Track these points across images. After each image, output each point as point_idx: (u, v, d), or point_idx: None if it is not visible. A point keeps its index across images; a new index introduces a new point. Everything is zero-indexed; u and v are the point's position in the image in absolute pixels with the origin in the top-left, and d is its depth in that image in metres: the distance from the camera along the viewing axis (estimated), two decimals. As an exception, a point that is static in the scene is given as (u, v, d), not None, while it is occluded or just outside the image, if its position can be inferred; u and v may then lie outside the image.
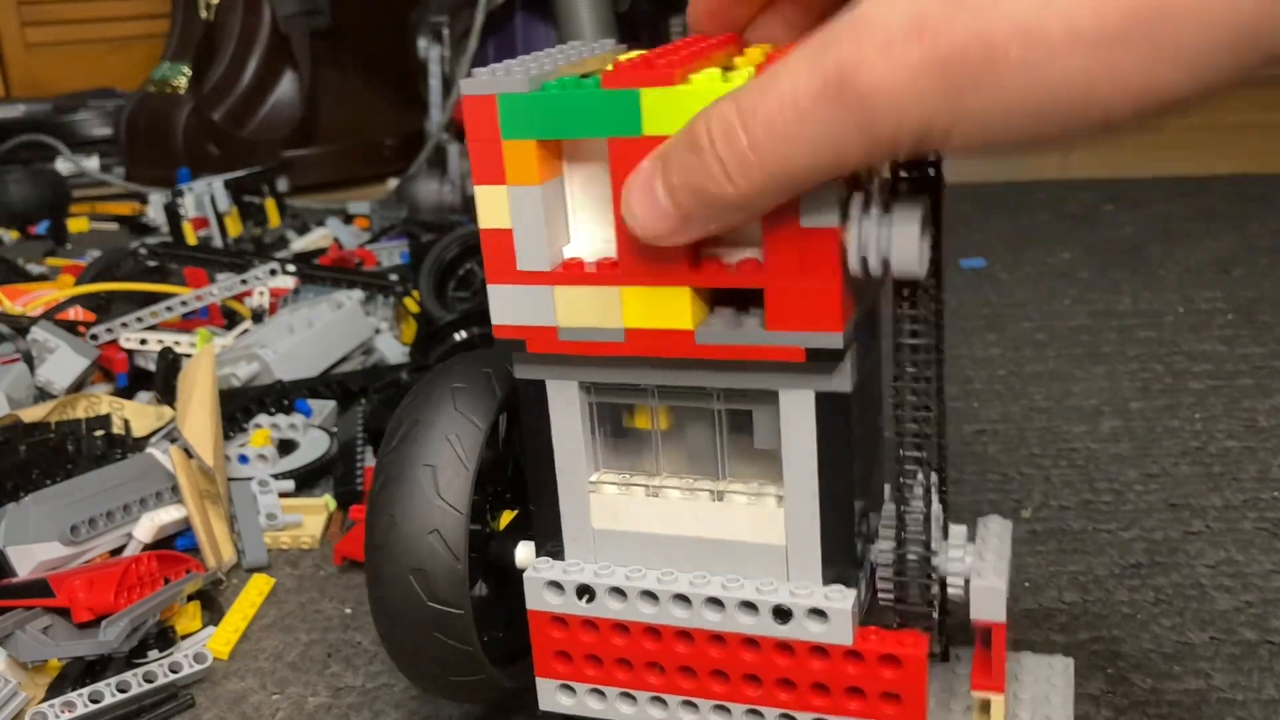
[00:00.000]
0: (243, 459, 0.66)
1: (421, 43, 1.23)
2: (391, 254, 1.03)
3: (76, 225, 1.23)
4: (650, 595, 0.37)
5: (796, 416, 0.35)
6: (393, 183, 1.27)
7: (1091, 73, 0.25)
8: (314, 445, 0.68)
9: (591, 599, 0.38)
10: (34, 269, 1.03)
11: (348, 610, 0.56)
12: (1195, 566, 0.56)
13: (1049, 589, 0.55)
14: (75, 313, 0.79)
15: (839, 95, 0.27)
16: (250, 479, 0.63)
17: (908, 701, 0.36)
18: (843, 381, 0.35)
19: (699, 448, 0.38)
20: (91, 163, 1.40)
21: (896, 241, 0.32)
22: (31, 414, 0.65)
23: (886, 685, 0.36)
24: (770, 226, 0.32)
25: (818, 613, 0.36)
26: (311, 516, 0.62)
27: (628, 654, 0.38)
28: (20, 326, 0.73)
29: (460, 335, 0.80)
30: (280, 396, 0.71)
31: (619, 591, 0.38)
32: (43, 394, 0.70)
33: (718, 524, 0.37)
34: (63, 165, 1.38)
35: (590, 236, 0.37)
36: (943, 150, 0.29)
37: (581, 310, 0.35)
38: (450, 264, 0.90)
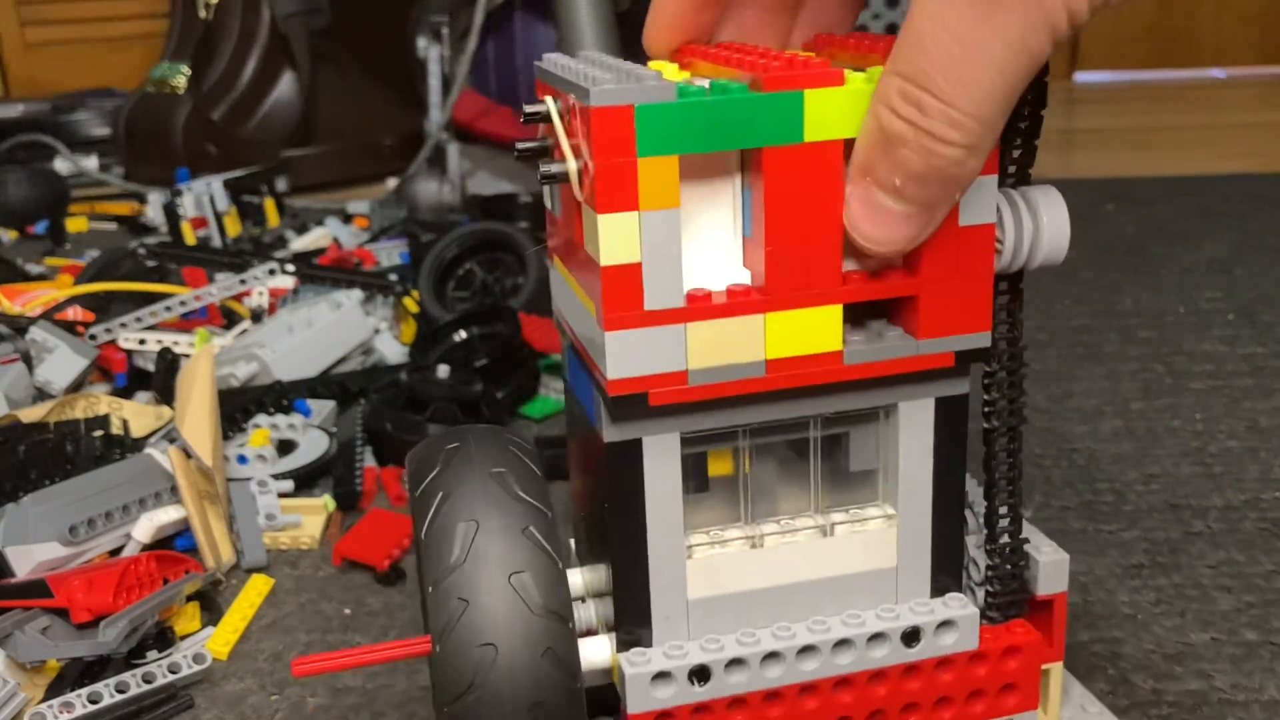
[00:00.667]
0: (242, 459, 0.66)
1: (421, 43, 1.23)
2: (391, 254, 1.03)
3: (75, 225, 1.23)
4: (774, 656, 0.34)
5: (914, 426, 0.34)
6: (392, 183, 1.27)
7: None
8: (313, 445, 0.68)
9: (705, 680, 0.34)
10: (33, 269, 1.02)
11: (347, 611, 0.55)
12: (1196, 567, 0.56)
13: (1050, 589, 0.55)
14: (74, 313, 0.79)
15: (992, 6, 0.26)
16: (249, 479, 0.63)
17: (1024, 688, 0.36)
18: (962, 384, 0.34)
19: (785, 485, 0.36)
20: (90, 162, 1.39)
21: (1050, 230, 0.32)
22: (30, 414, 0.64)
23: (1008, 678, 0.36)
24: (937, 232, 0.31)
25: (948, 625, 0.35)
26: (311, 517, 0.62)
27: None
28: (19, 326, 0.73)
29: (460, 335, 0.80)
30: (279, 397, 0.71)
31: (739, 663, 0.34)
32: (41, 394, 0.70)
33: (824, 561, 0.35)
34: (62, 165, 1.37)
35: (696, 265, 0.33)
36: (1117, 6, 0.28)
37: (718, 347, 0.32)
38: (450, 264, 0.90)
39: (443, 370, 0.71)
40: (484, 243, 0.90)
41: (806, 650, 0.34)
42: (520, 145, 0.35)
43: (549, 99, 0.33)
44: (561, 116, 0.32)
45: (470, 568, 0.32)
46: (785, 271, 0.31)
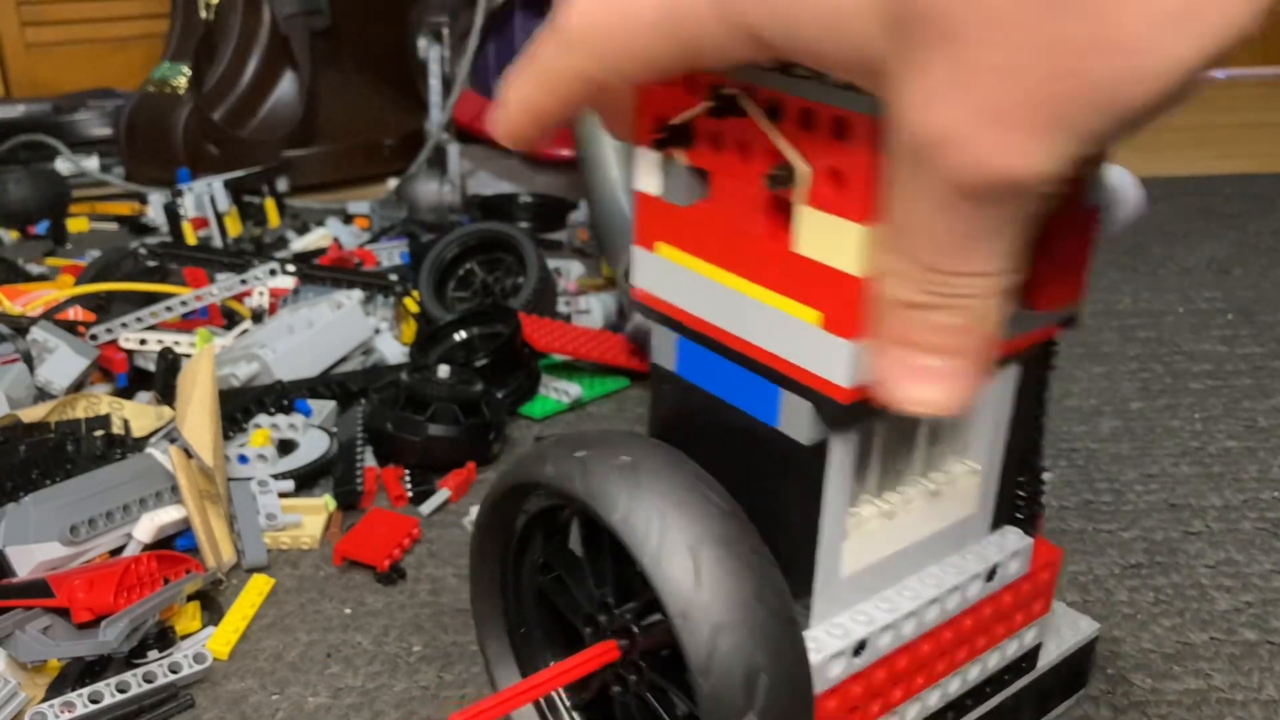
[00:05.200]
0: (242, 459, 0.66)
1: (421, 43, 1.23)
2: (391, 254, 1.03)
3: (76, 225, 1.23)
4: (910, 615, 0.37)
5: (1004, 387, 0.38)
6: (393, 183, 1.27)
7: None
8: (314, 445, 0.68)
9: (860, 652, 0.36)
10: (34, 269, 1.02)
11: (347, 610, 0.56)
12: (1195, 567, 0.56)
13: (1049, 589, 0.55)
14: (75, 313, 0.79)
15: (977, 202, 0.25)
16: (250, 479, 0.63)
17: (1047, 595, 0.42)
18: (1043, 345, 0.38)
19: (895, 456, 0.37)
20: (91, 163, 1.39)
21: (1129, 201, 0.36)
22: (31, 414, 0.64)
23: (1040, 590, 0.41)
24: (1055, 213, 0.31)
25: (1015, 555, 0.40)
26: (311, 516, 0.62)
27: (883, 686, 0.37)
28: (20, 326, 0.73)
29: (460, 335, 0.80)
30: (280, 396, 0.71)
31: (887, 629, 0.36)
32: (42, 394, 0.70)
33: (930, 519, 0.38)
34: (62, 165, 1.37)
35: None
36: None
37: None
38: (450, 264, 0.90)
39: (443, 370, 0.71)
40: (484, 243, 0.90)
41: (931, 602, 0.37)
42: (670, 129, 0.33)
43: (738, 92, 0.31)
44: (769, 114, 0.31)
45: (718, 592, 0.32)
46: None
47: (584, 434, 0.37)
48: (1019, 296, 0.34)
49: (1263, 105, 1.65)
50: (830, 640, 0.35)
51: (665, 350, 0.37)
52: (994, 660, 0.41)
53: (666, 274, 0.36)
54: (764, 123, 0.31)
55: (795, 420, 0.33)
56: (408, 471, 0.67)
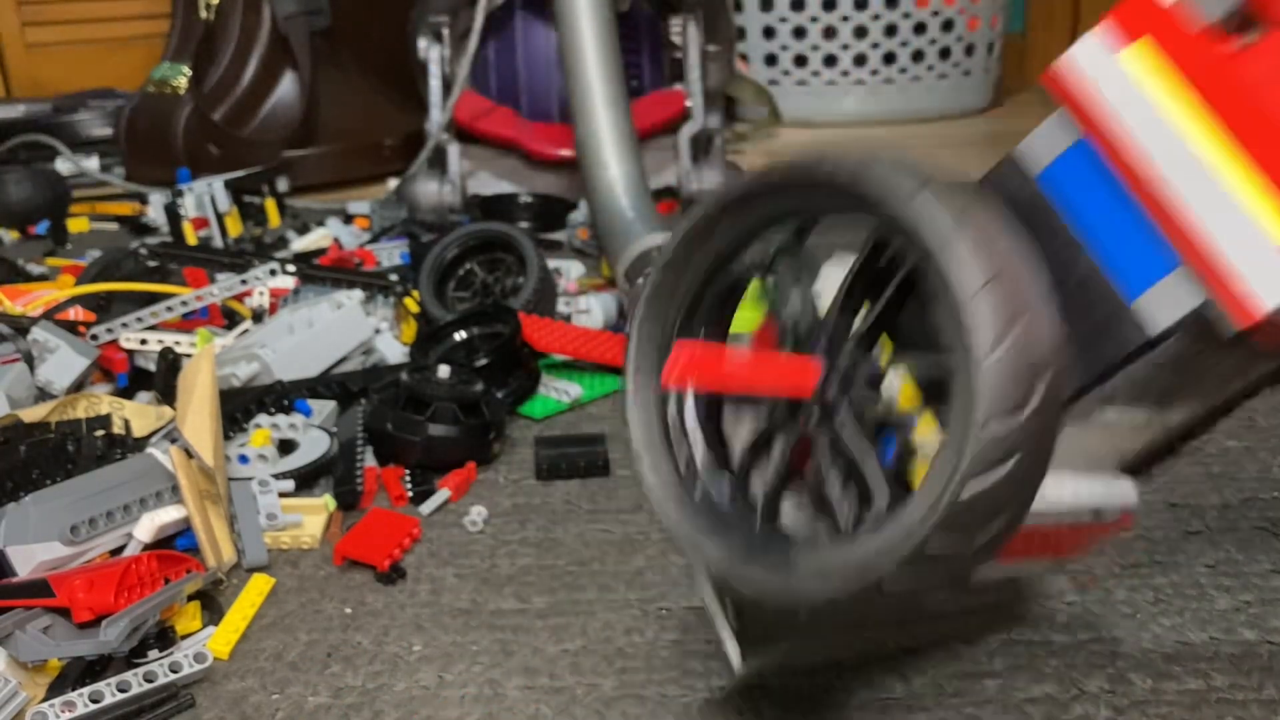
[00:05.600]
0: (243, 459, 0.66)
1: (421, 43, 1.23)
2: (391, 254, 1.03)
3: (76, 225, 1.23)
4: None
5: None
6: (393, 183, 1.27)
7: None
8: (314, 445, 0.68)
9: None
10: (34, 269, 1.03)
11: (348, 610, 0.56)
12: (1194, 566, 0.56)
13: (1049, 589, 0.55)
14: (75, 313, 0.79)
15: None
16: (250, 479, 0.63)
17: None
18: None
19: None
20: (91, 163, 1.40)
21: None
22: (31, 414, 0.65)
23: None
24: None
25: None
26: (311, 516, 0.62)
27: None
28: (20, 326, 0.73)
29: (460, 335, 0.80)
30: (280, 396, 0.71)
31: None
32: (43, 394, 0.70)
33: None
34: (63, 165, 1.37)
35: None
36: None
37: None
38: (450, 264, 0.90)
39: (443, 370, 0.71)
40: (484, 243, 0.90)
41: None
42: None
43: None
44: None
45: (1016, 279, 0.29)
46: None
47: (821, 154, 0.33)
48: None
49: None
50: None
51: (1045, 144, 0.32)
52: None
53: (1123, 82, 0.30)
54: None
55: (1159, 310, 0.30)
56: (408, 471, 0.67)
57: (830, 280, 0.35)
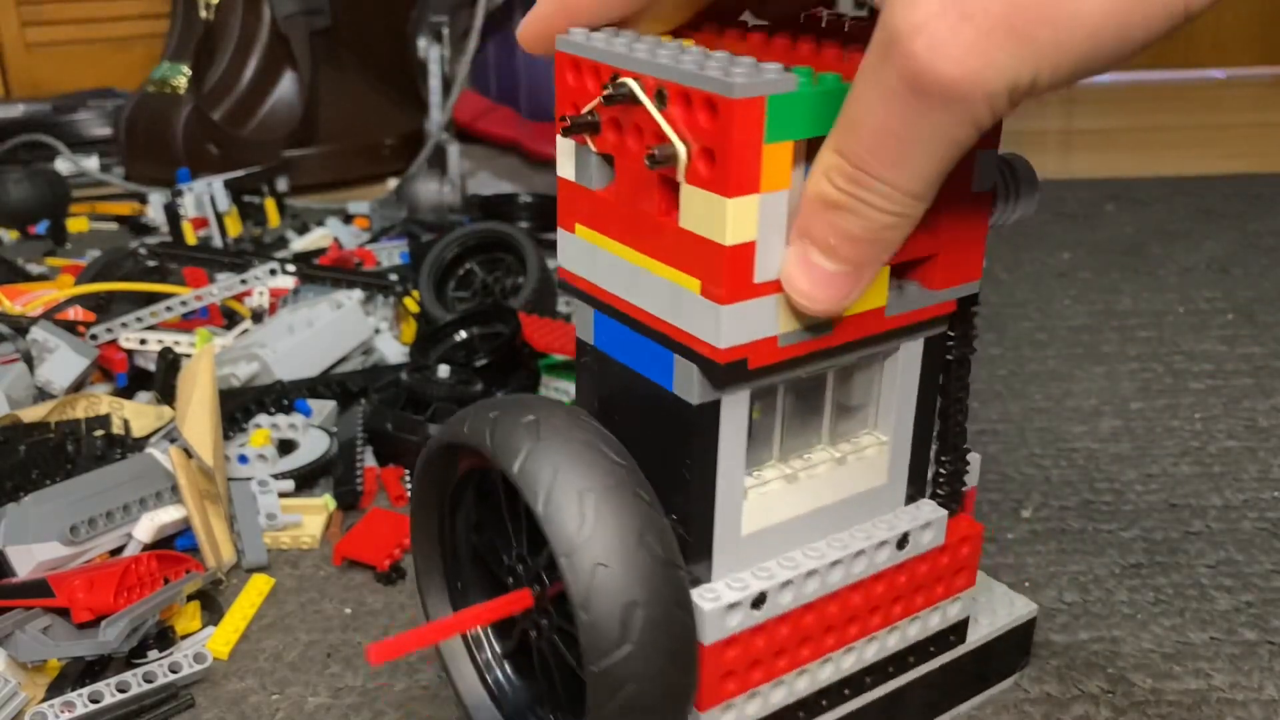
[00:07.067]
0: (242, 459, 0.66)
1: (421, 43, 1.23)
2: (391, 254, 1.03)
3: (76, 225, 1.23)
4: (812, 573, 0.39)
5: (908, 363, 0.40)
6: (393, 183, 1.27)
7: None
8: (314, 445, 0.68)
9: (761, 605, 0.38)
10: (34, 269, 1.02)
11: (348, 610, 0.56)
12: (1195, 566, 0.56)
13: (1049, 589, 0.55)
14: (75, 313, 0.79)
15: (923, 102, 0.28)
16: (250, 479, 0.63)
17: (970, 569, 0.44)
18: (943, 324, 0.40)
19: (802, 424, 0.40)
20: (91, 163, 1.39)
21: (1026, 192, 0.39)
22: (31, 414, 0.65)
23: (961, 563, 0.43)
24: (942, 197, 0.33)
25: (928, 526, 0.41)
26: (311, 516, 0.62)
27: (787, 642, 0.39)
28: (20, 326, 0.73)
29: (460, 335, 0.80)
30: (280, 396, 0.71)
31: (787, 584, 0.38)
32: (42, 394, 0.70)
33: (837, 486, 0.40)
34: (62, 165, 1.37)
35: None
36: (1041, 96, 0.29)
37: (799, 311, 0.34)
38: (450, 264, 0.90)
39: (443, 370, 0.71)
40: (484, 243, 0.90)
41: (834, 564, 0.39)
42: (572, 119, 0.36)
43: (631, 81, 0.34)
44: (653, 100, 0.33)
45: (600, 533, 0.34)
46: None
47: (502, 399, 0.39)
48: (914, 275, 0.38)
49: (1263, 105, 1.66)
50: (729, 591, 0.37)
51: (585, 324, 0.40)
52: (914, 630, 0.43)
53: (583, 253, 0.39)
54: (650, 106, 0.33)
55: (685, 382, 0.35)
56: (408, 471, 0.67)
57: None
